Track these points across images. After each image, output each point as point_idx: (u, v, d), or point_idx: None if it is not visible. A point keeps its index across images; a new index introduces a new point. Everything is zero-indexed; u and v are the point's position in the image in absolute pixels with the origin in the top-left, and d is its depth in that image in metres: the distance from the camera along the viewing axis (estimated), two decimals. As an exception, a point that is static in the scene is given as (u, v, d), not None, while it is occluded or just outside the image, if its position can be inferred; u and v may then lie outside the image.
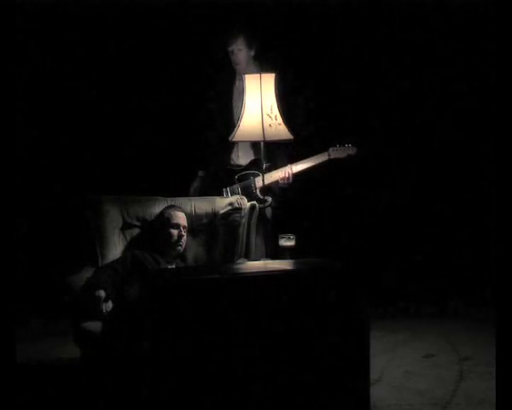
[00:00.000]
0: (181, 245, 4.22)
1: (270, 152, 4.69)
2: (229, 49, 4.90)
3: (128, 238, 4.32)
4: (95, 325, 3.79)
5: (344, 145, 4.82)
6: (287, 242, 4.12)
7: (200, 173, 5.08)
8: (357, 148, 4.83)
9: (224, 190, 4.88)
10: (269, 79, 4.31)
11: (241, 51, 4.88)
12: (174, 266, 4.17)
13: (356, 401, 3.31)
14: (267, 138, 4.25)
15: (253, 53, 4.92)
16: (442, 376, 4.41)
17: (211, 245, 4.42)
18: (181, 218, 4.25)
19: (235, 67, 4.95)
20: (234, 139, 4.37)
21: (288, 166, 4.80)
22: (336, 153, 4.81)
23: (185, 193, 4.91)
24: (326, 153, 4.83)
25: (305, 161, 4.83)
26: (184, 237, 4.24)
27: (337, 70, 5.89)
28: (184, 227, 4.25)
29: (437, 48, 5.93)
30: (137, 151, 5.89)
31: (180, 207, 4.33)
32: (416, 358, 4.77)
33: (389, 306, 5.94)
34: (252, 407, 3.17)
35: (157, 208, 4.35)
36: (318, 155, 4.84)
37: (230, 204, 4.44)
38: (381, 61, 5.91)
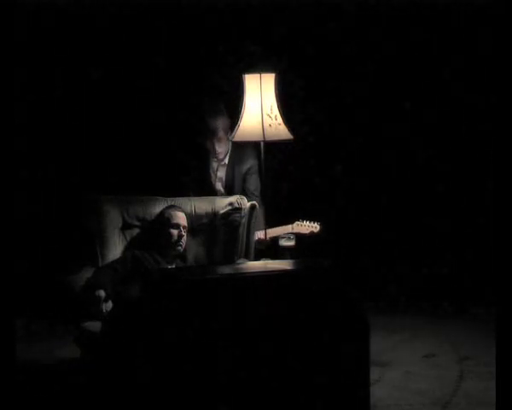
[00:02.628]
0: (181, 245, 4.22)
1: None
2: (213, 140, 4.78)
3: (128, 238, 4.32)
4: (95, 325, 3.80)
5: (309, 222, 4.77)
6: (287, 242, 4.12)
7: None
8: (321, 226, 4.78)
9: None
10: (269, 79, 4.30)
11: (220, 142, 4.78)
12: (174, 266, 4.17)
13: (356, 401, 3.31)
14: (267, 138, 4.25)
15: (230, 136, 4.73)
16: (442, 376, 4.41)
17: (211, 245, 4.41)
18: (181, 218, 4.25)
19: (216, 151, 4.81)
20: (234, 139, 4.38)
21: (260, 232, 4.67)
22: (299, 228, 4.77)
23: (185, 193, 4.90)
24: (290, 225, 4.78)
25: (271, 230, 4.69)
26: (184, 237, 4.23)
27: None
28: (184, 227, 4.24)
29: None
30: (137, 151, 5.88)
31: (180, 207, 4.33)
32: (415, 358, 4.76)
33: (389, 305, 5.93)
34: (253, 405, 3.17)
35: (157, 208, 4.35)
36: (283, 227, 4.78)
37: (230, 204, 4.44)
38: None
